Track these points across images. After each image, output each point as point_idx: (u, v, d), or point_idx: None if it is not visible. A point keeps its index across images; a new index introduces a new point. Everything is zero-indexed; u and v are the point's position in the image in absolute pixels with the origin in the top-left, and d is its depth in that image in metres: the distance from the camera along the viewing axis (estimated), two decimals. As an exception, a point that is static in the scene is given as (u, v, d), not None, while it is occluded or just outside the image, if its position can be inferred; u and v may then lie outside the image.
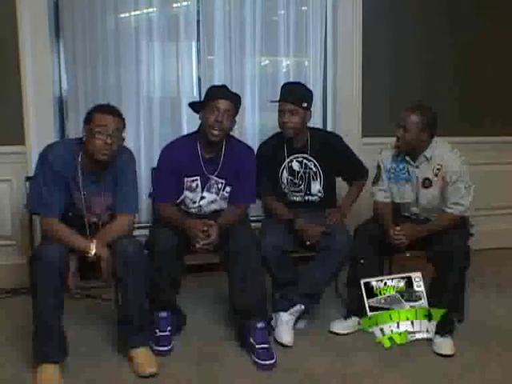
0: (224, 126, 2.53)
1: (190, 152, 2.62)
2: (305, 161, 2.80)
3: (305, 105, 2.70)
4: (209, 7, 3.40)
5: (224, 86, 2.66)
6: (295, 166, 2.80)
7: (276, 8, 3.54)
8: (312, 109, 2.79)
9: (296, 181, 2.82)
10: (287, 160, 2.81)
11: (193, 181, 2.62)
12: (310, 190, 2.82)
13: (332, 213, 2.81)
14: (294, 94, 2.71)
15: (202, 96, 2.81)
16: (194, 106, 2.69)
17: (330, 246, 2.61)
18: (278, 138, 2.85)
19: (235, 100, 2.59)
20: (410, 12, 3.66)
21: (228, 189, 2.65)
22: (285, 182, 2.82)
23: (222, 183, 2.64)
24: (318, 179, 2.81)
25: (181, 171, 2.61)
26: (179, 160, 2.61)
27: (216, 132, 2.52)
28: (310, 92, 2.81)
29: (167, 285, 2.50)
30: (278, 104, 2.73)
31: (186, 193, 2.64)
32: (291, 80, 3.38)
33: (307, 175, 2.80)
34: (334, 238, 2.63)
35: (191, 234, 2.47)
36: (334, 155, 2.81)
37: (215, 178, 2.63)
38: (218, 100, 2.52)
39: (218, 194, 2.65)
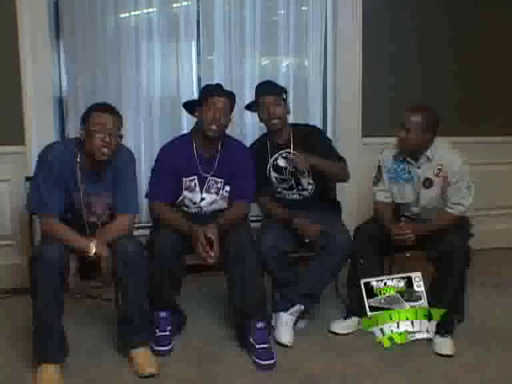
0: (221, 123, 2.57)
1: (186, 152, 2.64)
2: (289, 155, 2.79)
3: (284, 96, 2.77)
4: (209, 7, 3.40)
5: (218, 85, 2.70)
6: (281, 162, 2.80)
7: (276, 8, 3.54)
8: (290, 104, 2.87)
9: (284, 177, 2.81)
10: (272, 158, 2.81)
11: (191, 180, 2.63)
12: (301, 184, 2.81)
13: (295, 155, 2.71)
14: (272, 88, 2.79)
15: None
16: (188, 105, 2.72)
17: (330, 246, 2.61)
18: (261, 140, 2.89)
19: (230, 97, 2.63)
20: (410, 12, 3.66)
21: (227, 188, 2.66)
22: (274, 181, 2.82)
23: (220, 182, 2.65)
24: (306, 172, 2.79)
25: (178, 171, 2.62)
26: (176, 160, 2.62)
27: (214, 127, 2.55)
28: (284, 87, 2.87)
29: (168, 284, 2.50)
30: (255, 106, 2.79)
31: (185, 193, 2.64)
32: (291, 80, 3.44)
33: (294, 169, 2.79)
34: (334, 237, 2.62)
35: (194, 244, 2.43)
36: (315, 146, 2.77)
37: (213, 178, 2.64)
38: (214, 97, 2.57)
39: (217, 193, 2.65)
